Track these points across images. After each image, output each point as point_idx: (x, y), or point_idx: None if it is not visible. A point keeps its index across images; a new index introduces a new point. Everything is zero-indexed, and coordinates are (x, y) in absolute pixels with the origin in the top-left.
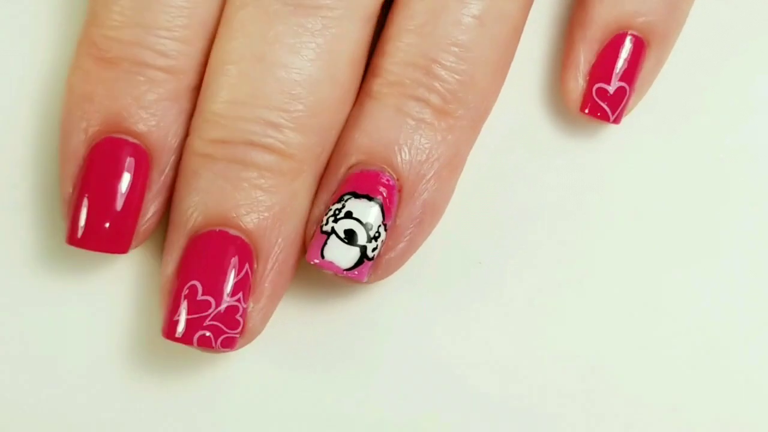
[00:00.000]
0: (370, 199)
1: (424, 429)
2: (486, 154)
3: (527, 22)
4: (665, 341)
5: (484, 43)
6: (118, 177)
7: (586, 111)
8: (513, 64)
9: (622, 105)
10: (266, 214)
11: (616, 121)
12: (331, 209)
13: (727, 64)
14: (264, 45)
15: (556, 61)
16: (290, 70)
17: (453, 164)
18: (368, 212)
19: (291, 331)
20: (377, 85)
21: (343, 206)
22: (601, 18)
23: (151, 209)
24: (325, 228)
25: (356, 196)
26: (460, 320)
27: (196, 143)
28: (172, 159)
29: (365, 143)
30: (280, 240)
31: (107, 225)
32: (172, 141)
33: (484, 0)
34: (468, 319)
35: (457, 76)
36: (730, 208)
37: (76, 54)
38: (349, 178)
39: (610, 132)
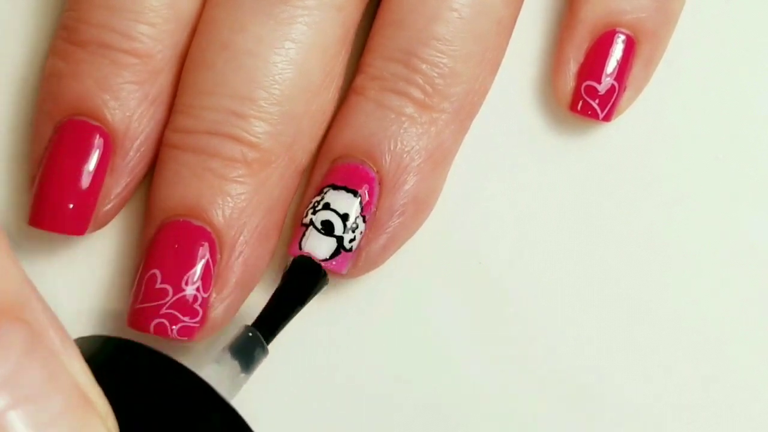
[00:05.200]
0: (348, 190)
1: (424, 428)
2: (486, 154)
3: (526, 21)
4: (665, 341)
5: (465, 37)
6: (76, 159)
7: (575, 109)
8: (513, 63)
9: (611, 103)
10: (230, 205)
11: (606, 119)
12: (311, 202)
13: (728, 64)
14: (230, 34)
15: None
16: (255, 58)
17: (436, 157)
18: (345, 203)
19: (289, 331)
20: (360, 80)
21: (322, 198)
22: (589, 16)
23: (112, 193)
24: (304, 220)
25: (335, 187)
26: (460, 320)
27: (167, 134)
28: (137, 144)
29: (347, 137)
30: (245, 231)
31: (64, 206)
32: (137, 125)
33: None
34: (468, 319)
35: (437, 70)
36: (730, 208)
37: (52, 38)
38: (329, 171)
39: (611, 132)
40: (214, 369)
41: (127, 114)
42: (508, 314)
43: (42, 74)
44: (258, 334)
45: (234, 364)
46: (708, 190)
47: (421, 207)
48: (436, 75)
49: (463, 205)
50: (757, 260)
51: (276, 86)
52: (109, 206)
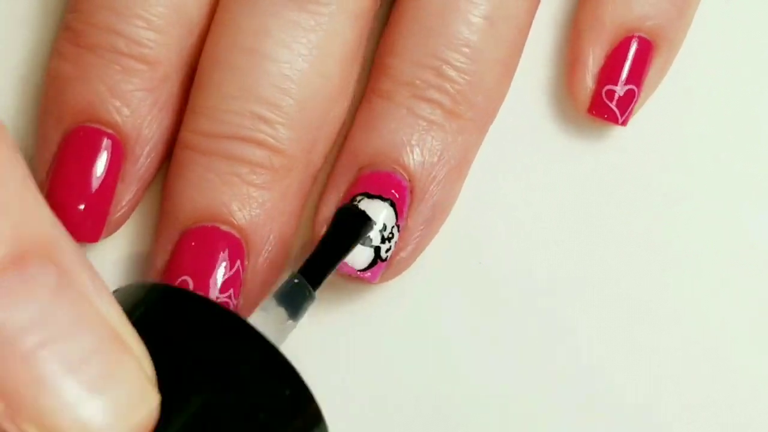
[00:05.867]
0: (383, 199)
1: (424, 428)
2: (486, 154)
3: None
4: (666, 341)
5: (494, 44)
6: (89, 166)
7: (595, 112)
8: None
9: (630, 107)
10: (258, 211)
11: (624, 123)
12: None
13: (728, 64)
14: (254, 39)
15: (554, 61)
16: (281, 64)
17: (461, 165)
18: (383, 214)
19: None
20: (387, 84)
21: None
22: (612, 20)
23: (124, 199)
24: None
25: (369, 196)
26: (460, 320)
27: (187, 136)
28: (147, 150)
29: (377, 144)
30: (271, 237)
31: (77, 213)
32: (147, 132)
33: (494, 1)
34: (468, 319)
35: (467, 77)
36: (731, 207)
37: (56, 39)
38: (360, 178)
39: (611, 132)
40: (260, 316)
41: (138, 121)
42: (509, 314)
43: (45, 74)
44: (304, 280)
45: (280, 311)
46: (708, 190)
47: (444, 213)
48: (464, 82)
49: (463, 206)
50: (758, 260)
51: (301, 93)
52: (121, 213)
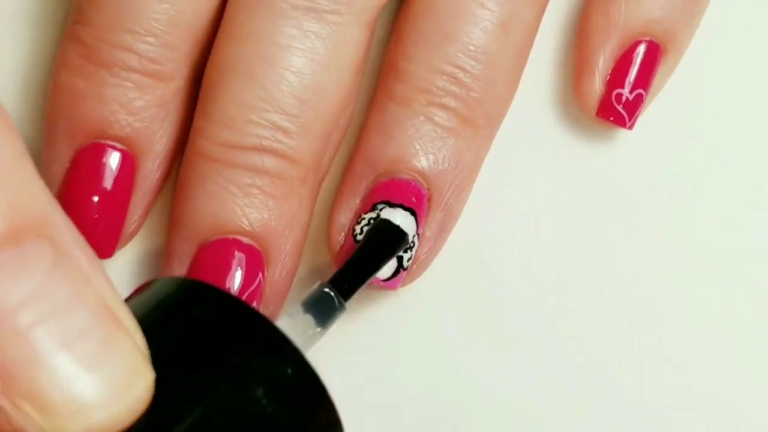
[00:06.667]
0: (405, 208)
1: (424, 429)
2: (487, 155)
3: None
4: (666, 341)
5: (507, 50)
6: (103, 183)
7: (603, 116)
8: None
9: (638, 111)
10: (277, 222)
11: (631, 127)
12: (364, 218)
13: (728, 64)
14: (275, 49)
15: (555, 63)
16: (302, 75)
17: (473, 172)
18: (405, 223)
19: None
20: (403, 90)
21: (378, 215)
22: (623, 23)
23: (136, 213)
24: (360, 238)
25: (390, 205)
26: (460, 320)
27: (206, 146)
28: (158, 162)
29: (395, 152)
30: (288, 246)
31: (91, 229)
32: (158, 146)
33: (506, 7)
34: (468, 319)
35: (482, 84)
36: (731, 208)
37: (63, 50)
38: (380, 186)
39: (610, 133)
40: (286, 322)
41: (151, 135)
42: (509, 315)
43: (52, 86)
44: (334, 290)
45: (307, 319)
46: (709, 191)
47: (455, 218)
48: (480, 89)
49: (465, 206)
50: (759, 260)
51: (320, 103)
52: (133, 227)
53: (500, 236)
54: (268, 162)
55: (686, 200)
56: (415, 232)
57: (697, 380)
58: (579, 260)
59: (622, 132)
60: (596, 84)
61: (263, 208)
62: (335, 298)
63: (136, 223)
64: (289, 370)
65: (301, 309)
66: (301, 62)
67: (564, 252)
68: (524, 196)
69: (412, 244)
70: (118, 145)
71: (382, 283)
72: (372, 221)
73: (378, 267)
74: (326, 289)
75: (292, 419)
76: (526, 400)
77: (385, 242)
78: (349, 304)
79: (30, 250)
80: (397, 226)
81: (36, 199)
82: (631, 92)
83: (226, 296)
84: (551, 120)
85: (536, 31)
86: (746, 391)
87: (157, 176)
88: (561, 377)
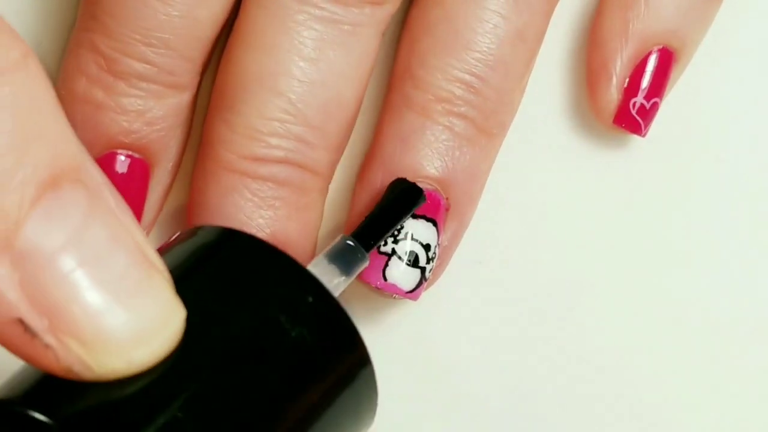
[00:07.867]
0: (427, 219)
1: (424, 429)
2: None
3: None
4: (667, 341)
5: (521, 59)
6: (121, 191)
7: (620, 124)
8: None
9: (653, 118)
10: (298, 235)
11: (645, 134)
12: None
13: (728, 65)
14: (300, 62)
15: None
16: (326, 88)
17: (485, 179)
18: (426, 233)
19: None
20: (421, 98)
21: (402, 227)
22: (643, 31)
23: (146, 220)
24: (384, 249)
25: (414, 216)
26: (460, 320)
27: (231, 159)
28: (169, 169)
29: (416, 161)
30: (306, 256)
31: None
32: (171, 153)
33: (524, 17)
34: (468, 319)
35: (496, 93)
36: (731, 207)
37: (77, 57)
38: None
39: (610, 133)
40: (312, 271)
41: (165, 142)
42: (508, 315)
43: (68, 94)
44: (356, 241)
45: (332, 268)
46: (709, 190)
47: (467, 225)
48: (494, 98)
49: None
50: (759, 260)
51: (343, 116)
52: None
53: (500, 236)
54: (292, 174)
55: (687, 201)
56: (436, 243)
57: (697, 380)
58: (579, 260)
59: (622, 133)
60: (613, 91)
61: (286, 220)
62: (358, 250)
63: (146, 229)
64: (311, 298)
65: (325, 260)
66: (325, 75)
67: (564, 252)
68: (525, 196)
69: (434, 255)
70: (135, 155)
71: (405, 294)
72: (396, 233)
73: (396, 222)
74: (349, 241)
75: (314, 341)
76: (526, 400)
77: (403, 198)
78: (349, 304)
79: (68, 195)
80: (414, 184)
81: (70, 146)
82: (647, 100)
83: (249, 238)
84: (551, 120)
85: (543, 38)
86: (746, 391)
87: (168, 182)
88: (561, 377)
